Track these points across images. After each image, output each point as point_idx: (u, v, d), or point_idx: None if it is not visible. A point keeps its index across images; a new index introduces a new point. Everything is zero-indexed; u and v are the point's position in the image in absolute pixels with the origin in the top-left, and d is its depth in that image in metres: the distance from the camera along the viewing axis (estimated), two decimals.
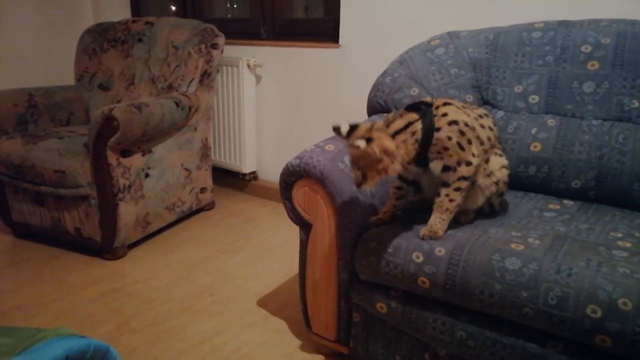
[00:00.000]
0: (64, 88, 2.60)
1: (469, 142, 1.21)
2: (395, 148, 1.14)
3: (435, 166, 1.23)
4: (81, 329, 1.62)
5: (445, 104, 1.23)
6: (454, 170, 1.21)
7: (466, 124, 1.21)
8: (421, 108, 1.21)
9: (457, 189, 1.22)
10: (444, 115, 1.20)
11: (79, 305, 1.76)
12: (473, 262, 1.12)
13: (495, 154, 1.32)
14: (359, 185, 1.16)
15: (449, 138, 1.19)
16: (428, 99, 1.27)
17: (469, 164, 1.21)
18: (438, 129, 1.19)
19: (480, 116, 1.30)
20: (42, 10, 3.12)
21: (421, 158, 1.22)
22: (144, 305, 1.76)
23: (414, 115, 1.19)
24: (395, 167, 1.14)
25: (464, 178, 1.21)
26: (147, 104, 2.03)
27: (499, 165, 1.31)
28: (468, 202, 1.31)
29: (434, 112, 1.21)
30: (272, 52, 2.63)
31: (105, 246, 2.06)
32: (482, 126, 1.28)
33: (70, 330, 0.74)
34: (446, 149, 1.19)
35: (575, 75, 1.53)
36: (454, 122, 1.20)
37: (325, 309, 1.44)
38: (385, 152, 1.12)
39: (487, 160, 1.29)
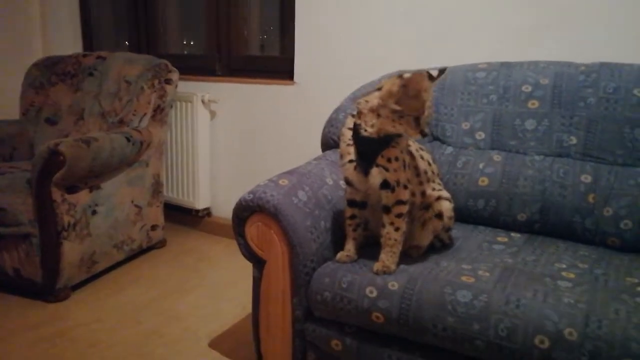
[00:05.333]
0: (7, 122, 2.50)
1: (409, 166, 1.27)
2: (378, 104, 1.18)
3: (376, 175, 1.23)
4: None
5: None
6: (392, 190, 1.23)
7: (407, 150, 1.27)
8: None
9: (399, 215, 1.24)
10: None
11: (16, 351, 1.64)
12: (426, 295, 1.13)
13: (434, 189, 1.35)
14: None
15: (401, 151, 1.23)
16: None
17: (405, 187, 1.24)
18: (399, 135, 1.22)
19: (422, 149, 1.36)
20: None
21: (373, 151, 1.22)
22: (87, 350, 1.66)
23: None
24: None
25: (402, 202, 1.23)
26: (96, 139, 1.97)
27: (434, 197, 1.34)
28: (415, 238, 1.33)
29: None
30: (227, 88, 2.63)
31: (46, 288, 1.95)
32: (422, 157, 1.34)
33: None
34: (397, 158, 1.22)
35: (517, 113, 1.60)
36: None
37: (279, 348, 1.40)
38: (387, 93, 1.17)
39: (422, 194, 1.33)
